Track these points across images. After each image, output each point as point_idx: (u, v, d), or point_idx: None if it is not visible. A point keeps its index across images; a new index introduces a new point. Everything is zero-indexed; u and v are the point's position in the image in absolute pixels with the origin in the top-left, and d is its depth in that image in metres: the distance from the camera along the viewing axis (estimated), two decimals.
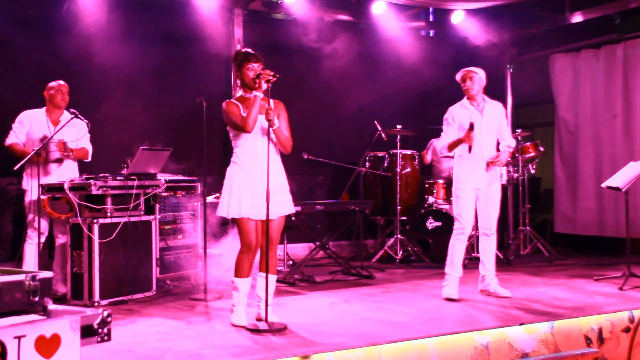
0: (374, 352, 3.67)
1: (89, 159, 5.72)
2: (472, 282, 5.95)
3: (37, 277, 2.51)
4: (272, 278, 4.33)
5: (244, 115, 4.22)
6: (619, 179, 5.90)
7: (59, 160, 5.47)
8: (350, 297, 5.37)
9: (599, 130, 8.08)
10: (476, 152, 5.19)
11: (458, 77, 5.36)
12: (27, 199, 5.47)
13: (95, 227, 4.99)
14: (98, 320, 2.53)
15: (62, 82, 5.56)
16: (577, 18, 8.11)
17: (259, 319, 4.31)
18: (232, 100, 4.36)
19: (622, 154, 7.74)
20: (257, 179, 4.23)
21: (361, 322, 4.39)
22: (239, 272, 4.32)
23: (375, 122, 7.60)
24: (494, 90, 9.12)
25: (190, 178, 6.07)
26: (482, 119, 5.25)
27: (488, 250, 5.30)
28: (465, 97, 5.34)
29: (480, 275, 5.35)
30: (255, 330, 4.08)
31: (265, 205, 4.15)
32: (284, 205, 4.36)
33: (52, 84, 5.54)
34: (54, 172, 5.46)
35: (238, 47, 7.34)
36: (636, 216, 7.51)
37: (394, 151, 7.52)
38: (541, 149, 7.54)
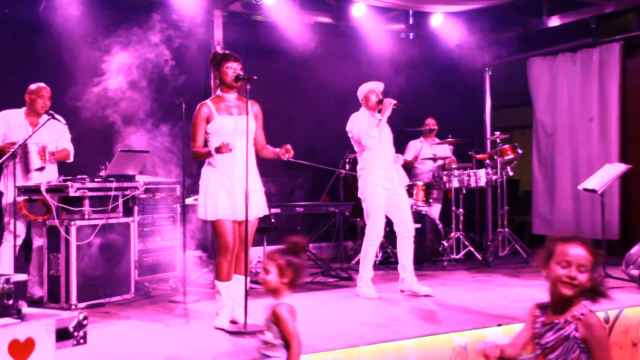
0: (353, 353, 3.68)
1: (71, 159, 5.67)
2: (451, 284, 6.00)
3: (11, 280, 2.48)
4: (244, 279, 4.33)
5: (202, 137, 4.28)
6: (595, 181, 5.98)
7: (41, 169, 5.38)
8: (329, 299, 5.38)
9: (576, 132, 8.18)
10: (384, 156, 5.46)
11: (370, 86, 5.60)
12: (4, 201, 5.40)
13: (73, 229, 4.94)
14: (74, 324, 2.50)
15: (42, 84, 5.48)
16: (554, 22, 8.22)
17: (233, 321, 4.29)
18: (206, 102, 4.34)
19: (598, 156, 7.85)
20: (235, 180, 4.22)
21: (340, 323, 4.40)
22: (219, 275, 4.30)
23: None
24: (472, 93, 9.29)
25: (169, 180, 6.04)
26: (384, 130, 5.50)
27: (408, 253, 5.46)
28: (367, 109, 5.58)
29: (401, 277, 5.50)
30: (234, 333, 4.08)
31: (242, 207, 4.15)
32: (259, 206, 4.37)
33: (32, 87, 5.46)
34: (34, 179, 5.37)
35: (218, 48, 7.31)
36: (612, 218, 7.62)
37: None
38: (519, 151, 7.61)
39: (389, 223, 7.46)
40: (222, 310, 4.32)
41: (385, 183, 5.41)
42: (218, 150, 4.10)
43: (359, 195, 5.55)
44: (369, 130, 5.40)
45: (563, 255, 2.48)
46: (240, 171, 4.18)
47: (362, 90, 5.64)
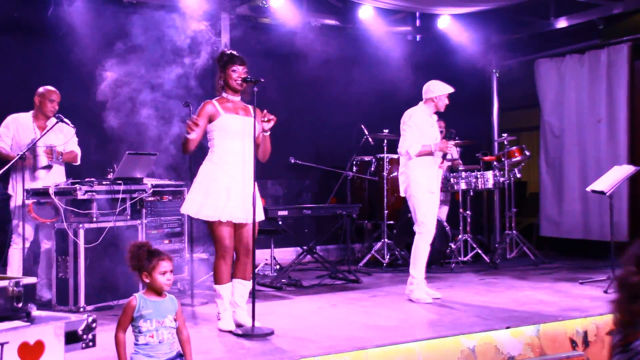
0: (361, 356, 3.68)
1: (78, 162, 5.69)
2: (459, 287, 5.98)
3: (21, 283, 2.49)
4: (248, 284, 4.31)
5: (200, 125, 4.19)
6: (604, 183, 5.95)
7: (48, 167, 5.41)
8: (337, 301, 5.37)
9: (584, 134, 8.15)
10: (429, 159, 5.39)
11: (448, 91, 5.44)
12: (12, 204, 5.42)
13: (81, 232, 4.95)
14: (82, 326, 2.51)
15: (52, 88, 5.49)
16: (562, 23, 8.20)
17: (238, 325, 4.28)
18: (211, 101, 4.33)
19: (606, 158, 7.81)
20: (236, 181, 4.19)
21: (348, 326, 4.39)
22: (218, 278, 4.27)
23: (362, 126, 7.62)
24: (479, 95, 9.25)
25: (177, 182, 6.05)
26: (433, 128, 5.47)
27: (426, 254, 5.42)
28: (426, 105, 5.48)
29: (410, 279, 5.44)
30: (242, 335, 4.07)
31: (240, 209, 4.13)
32: (258, 211, 4.26)
33: (41, 89, 5.47)
34: (41, 177, 5.40)
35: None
36: (620, 220, 7.57)
37: (381, 155, 7.54)
38: (527, 153, 7.59)
39: (394, 226, 7.49)
40: (224, 313, 4.30)
41: (430, 185, 5.35)
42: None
43: (403, 193, 5.47)
44: (421, 140, 5.29)
45: None
46: (243, 173, 4.17)
47: (433, 90, 5.44)
